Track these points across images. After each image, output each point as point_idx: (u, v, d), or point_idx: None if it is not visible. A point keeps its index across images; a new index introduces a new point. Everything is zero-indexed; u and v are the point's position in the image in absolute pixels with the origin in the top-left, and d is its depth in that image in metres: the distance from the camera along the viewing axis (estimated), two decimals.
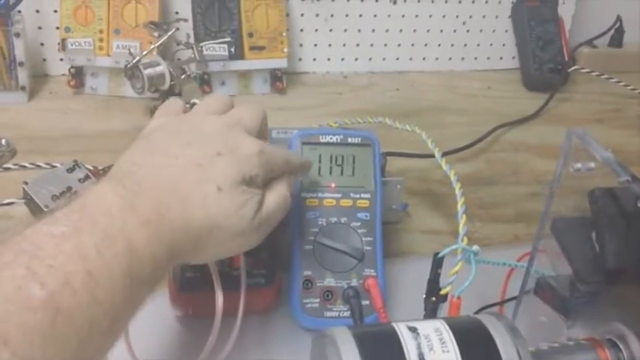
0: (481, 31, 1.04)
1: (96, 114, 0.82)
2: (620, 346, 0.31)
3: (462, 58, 1.05)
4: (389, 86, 0.96)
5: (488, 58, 1.06)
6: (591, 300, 0.36)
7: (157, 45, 0.79)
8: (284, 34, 0.88)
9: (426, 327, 0.30)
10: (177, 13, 0.89)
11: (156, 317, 0.50)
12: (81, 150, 0.70)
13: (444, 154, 0.74)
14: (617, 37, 1.10)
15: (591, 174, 0.37)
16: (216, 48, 0.83)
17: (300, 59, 0.96)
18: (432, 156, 0.60)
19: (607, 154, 0.34)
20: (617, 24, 1.08)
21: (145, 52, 0.77)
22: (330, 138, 0.54)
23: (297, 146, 0.54)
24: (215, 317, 0.43)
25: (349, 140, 0.55)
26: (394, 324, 0.30)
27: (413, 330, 0.29)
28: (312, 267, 0.50)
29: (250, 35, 0.86)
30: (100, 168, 0.66)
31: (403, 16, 0.99)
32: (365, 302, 0.49)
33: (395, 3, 0.97)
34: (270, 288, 0.50)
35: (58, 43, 0.83)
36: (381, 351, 0.28)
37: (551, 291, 0.38)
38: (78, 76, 0.85)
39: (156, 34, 0.80)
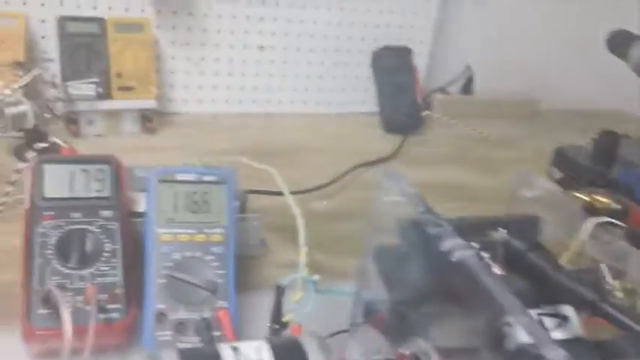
0: (345, 77, 1.12)
1: None
2: (423, 359, 0.36)
3: (329, 103, 1.12)
4: (257, 127, 1.01)
5: (352, 102, 1.14)
6: (404, 320, 0.41)
7: (20, 85, 0.79)
8: (153, 75, 0.90)
9: (248, 346, 0.33)
10: (45, 53, 0.89)
11: (11, 357, 0.49)
12: None
13: (304, 192, 0.80)
14: (467, 85, 1.23)
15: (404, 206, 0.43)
16: (82, 87, 0.84)
17: (170, 100, 0.98)
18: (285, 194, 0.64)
19: (409, 190, 0.40)
20: (467, 73, 1.21)
21: (7, 92, 0.77)
22: (186, 176, 0.57)
23: (153, 184, 0.56)
24: (63, 353, 0.44)
25: (204, 178, 0.58)
26: (219, 345, 0.33)
27: (235, 349, 0.33)
28: (165, 300, 0.52)
29: (119, 75, 0.88)
30: None
31: (272, 61, 1.05)
32: (217, 333, 0.52)
33: (262, 49, 1.03)
34: (124, 322, 0.51)
35: None
36: None
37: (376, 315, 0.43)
38: None
39: (20, 73, 0.80)
